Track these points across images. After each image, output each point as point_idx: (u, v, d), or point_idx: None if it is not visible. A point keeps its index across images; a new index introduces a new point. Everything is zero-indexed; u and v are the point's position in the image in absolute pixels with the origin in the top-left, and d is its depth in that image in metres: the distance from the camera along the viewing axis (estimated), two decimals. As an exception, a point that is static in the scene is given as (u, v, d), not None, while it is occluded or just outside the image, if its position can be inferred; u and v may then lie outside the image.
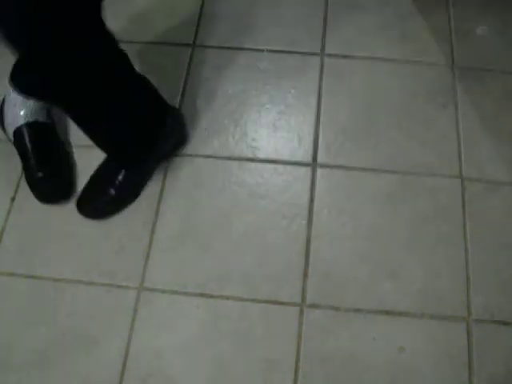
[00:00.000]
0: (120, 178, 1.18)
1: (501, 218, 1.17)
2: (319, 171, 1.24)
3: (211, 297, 1.11)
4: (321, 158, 1.25)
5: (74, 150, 1.28)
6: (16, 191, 1.24)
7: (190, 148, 1.28)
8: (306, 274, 1.12)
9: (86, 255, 1.16)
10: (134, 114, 1.05)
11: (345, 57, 1.39)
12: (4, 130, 1.24)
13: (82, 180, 1.23)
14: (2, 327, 1.10)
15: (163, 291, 1.12)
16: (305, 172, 1.24)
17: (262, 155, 1.27)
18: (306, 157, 1.26)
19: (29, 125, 1.20)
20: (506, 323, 1.07)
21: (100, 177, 1.21)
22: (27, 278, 1.14)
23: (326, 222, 1.18)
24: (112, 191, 1.18)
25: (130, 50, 1.41)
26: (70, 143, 1.28)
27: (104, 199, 1.19)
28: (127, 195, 1.20)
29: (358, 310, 1.09)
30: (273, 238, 1.16)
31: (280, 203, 1.20)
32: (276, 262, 1.14)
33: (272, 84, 1.36)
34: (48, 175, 1.19)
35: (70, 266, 1.15)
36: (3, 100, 1.25)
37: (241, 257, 1.15)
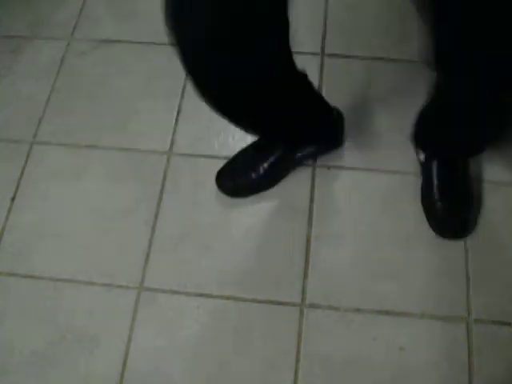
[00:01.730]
0: (265, 165, 1.18)
1: (501, 218, 1.17)
2: (319, 171, 1.24)
3: (211, 297, 1.11)
4: (321, 158, 1.25)
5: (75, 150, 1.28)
6: (16, 191, 1.24)
7: (190, 148, 1.28)
8: (306, 274, 1.12)
9: (85, 255, 1.16)
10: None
11: (345, 57, 1.39)
12: None
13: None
14: (1, 327, 1.10)
15: (163, 291, 1.12)
16: (305, 172, 1.24)
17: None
18: (306, 157, 1.26)
19: None
20: (506, 323, 1.07)
21: (245, 160, 1.21)
22: (27, 277, 1.14)
23: (326, 222, 1.18)
24: (253, 175, 1.19)
25: (130, 50, 1.43)
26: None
27: (244, 181, 1.20)
28: (266, 182, 1.21)
29: (357, 310, 1.09)
30: (273, 238, 1.16)
31: (280, 203, 1.20)
32: (276, 261, 1.14)
33: (272, 84, 1.36)
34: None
35: (69, 265, 1.15)
36: None
37: (241, 257, 1.15)
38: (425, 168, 1.18)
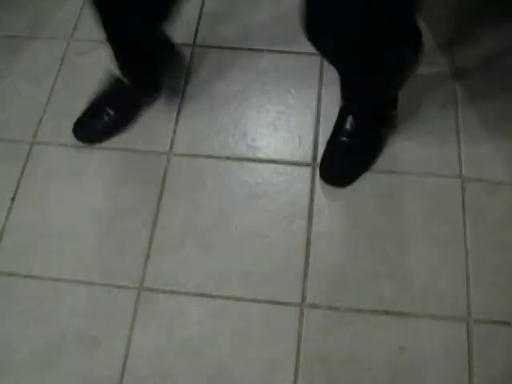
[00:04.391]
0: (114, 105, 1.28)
1: (501, 218, 1.17)
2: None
3: (211, 297, 1.11)
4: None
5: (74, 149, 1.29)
6: (16, 191, 1.24)
7: (190, 148, 1.28)
8: (305, 274, 1.12)
9: (85, 255, 1.16)
10: None
11: (345, 57, 1.39)
12: None
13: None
14: (1, 327, 1.10)
15: (163, 291, 1.12)
16: (305, 172, 1.24)
17: (262, 155, 1.27)
18: (306, 157, 1.26)
19: None
20: (506, 323, 1.07)
21: (102, 99, 1.30)
22: (27, 277, 1.14)
23: (326, 222, 1.18)
24: (111, 111, 1.27)
25: (130, 50, 1.42)
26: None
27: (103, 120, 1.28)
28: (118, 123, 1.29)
29: (357, 310, 1.09)
30: (273, 238, 1.16)
31: (280, 203, 1.20)
32: (276, 262, 1.14)
33: (272, 84, 1.36)
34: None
35: (69, 265, 1.15)
36: None
37: (241, 257, 1.15)
38: (339, 110, 1.22)
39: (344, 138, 1.18)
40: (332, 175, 1.20)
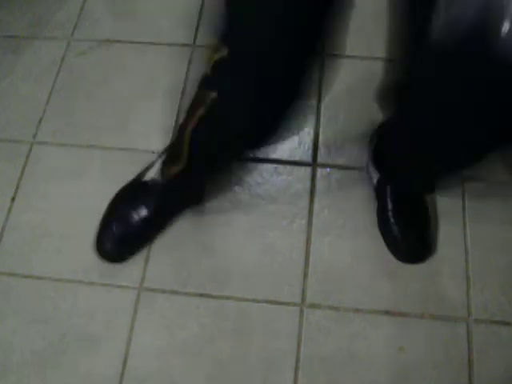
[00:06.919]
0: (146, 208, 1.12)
1: (501, 218, 1.17)
2: (319, 171, 1.24)
3: (211, 297, 1.11)
4: (321, 158, 1.25)
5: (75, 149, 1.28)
6: (16, 191, 1.24)
7: (190, 148, 1.28)
8: (305, 274, 1.12)
9: (85, 255, 1.16)
10: None
11: (345, 57, 1.39)
12: None
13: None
14: (1, 327, 1.10)
15: (163, 291, 1.12)
16: (305, 172, 1.24)
17: (261, 155, 1.27)
18: (306, 157, 1.26)
19: None
20: (506, 323, 1.07)
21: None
22: (27, 277, 1.14)
23: (326, 222, 1.18)
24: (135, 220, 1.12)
25: (129, 50, 1.43)
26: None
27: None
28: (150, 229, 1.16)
29: (357, 310, 1.09)
30: (273, 238, 1.16)
31: (280, 203, 1.20)
32: (276, 261, 1.14)
33: (272, 84, 1.36)
34: None
35: (69, 265, 1.15)
36: None
37: (241, 257, 1.15)
38: (378, 191, 1.16)
39: (406, 214, 1.13)
40: (417, 255, 1.13)
